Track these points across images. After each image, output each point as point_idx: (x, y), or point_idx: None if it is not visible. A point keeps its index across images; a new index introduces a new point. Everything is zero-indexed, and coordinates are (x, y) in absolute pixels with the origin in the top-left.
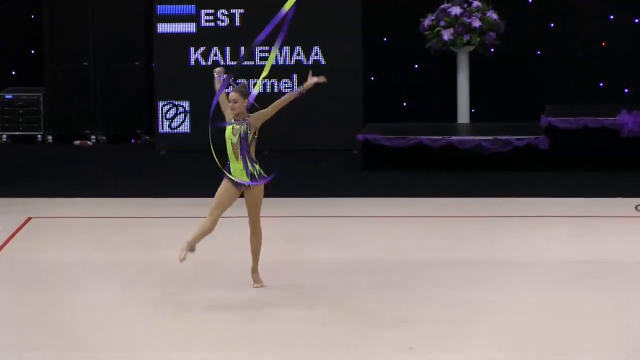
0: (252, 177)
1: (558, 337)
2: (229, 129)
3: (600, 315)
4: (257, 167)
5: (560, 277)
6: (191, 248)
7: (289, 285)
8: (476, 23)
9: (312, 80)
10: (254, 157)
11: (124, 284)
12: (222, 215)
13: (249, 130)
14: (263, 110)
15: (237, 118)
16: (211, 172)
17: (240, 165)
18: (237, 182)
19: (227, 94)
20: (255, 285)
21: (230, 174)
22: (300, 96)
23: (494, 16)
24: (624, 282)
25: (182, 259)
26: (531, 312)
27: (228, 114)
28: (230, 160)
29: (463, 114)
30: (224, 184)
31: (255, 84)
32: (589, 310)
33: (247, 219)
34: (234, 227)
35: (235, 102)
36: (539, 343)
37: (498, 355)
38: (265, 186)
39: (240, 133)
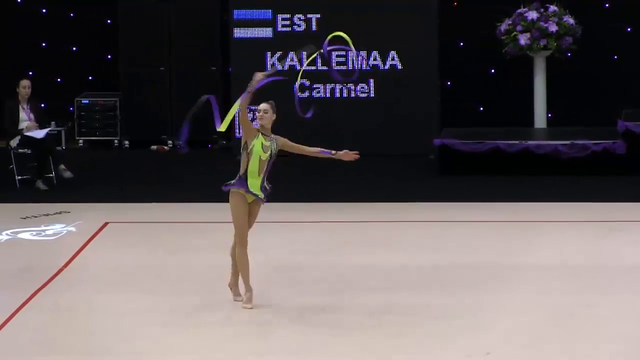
0: (264, 192)
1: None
2: (258, 144)
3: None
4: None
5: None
6: (248, 291)
7: (366, 289)
8: (553, 28)
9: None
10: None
11: (200, 289)
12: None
13: (276, 150)
14: (291, 143)
15: (265, 133)
16: (287, 176)
17: (259, 181)
18: (253, 196)
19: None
20: (237, 299)
21: (247, 189)
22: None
23: (571, 21)
24: None
25: (250, 307)
26: (613, 316)
27: (246, 121)
28: (249, 175)
29: (540, 119)
30: (238, 203)
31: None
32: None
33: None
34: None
35: (265, 112)
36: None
37: None
38: (346, 191)
39: (271, 151)
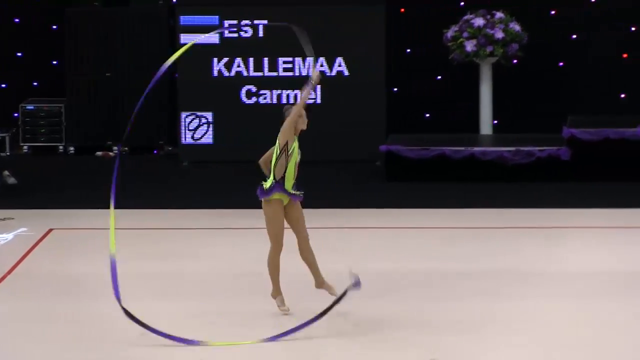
0: (298, 190)
1: (583, 348)
2: (296, 147)
3: (621, 327)
4: None
5: (583, 288)
6: (278, 295)
7: (316, 296)
8: (499, 34)
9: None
10: None
11: (144, 295)
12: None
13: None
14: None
15: (297, 134)
16: (234, 183)
17: (293, 183)
18: (289, 197)
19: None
20: (332, 293)
21: (286, 191)
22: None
23: (517, 27)
24: None
25: (287, 311)
26: (553, 322)
27: (294, 130)
28: (287, 180)
29: (485, 125)
30: (277, 211)
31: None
32: (608, 320)
33: (296, 237)
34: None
35: (306, 116)
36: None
37: None
38: None
39: (300, 152)
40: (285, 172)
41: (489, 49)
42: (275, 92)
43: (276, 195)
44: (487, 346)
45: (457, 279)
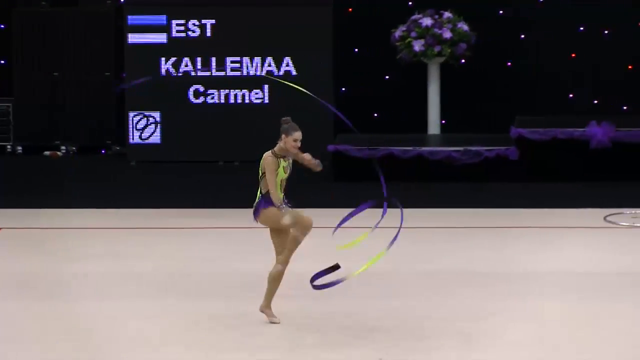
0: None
1: (529, 345)
2: (281, 170)
3: (573, 325)
4: None
5: (532, 287)
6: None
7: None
8: (447, 34)
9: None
10: None
11: (93, 294)
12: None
13: (291, 164)
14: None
15: (284, 155)
16: (182, 183)
17: (282, 195)
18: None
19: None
20: (274, 320)
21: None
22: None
23: (465, 27)
24: (594, 292)
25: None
26: (501, 321)
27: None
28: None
29: (433, 125)
30: (273, 210)
31: None
32: (560, 318)
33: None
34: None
35: (300, 141)
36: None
37: None
38: (240, 197)
39: (289, 171)
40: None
41: (437, 48)
42: (223, 92)
43: (263, 208)
44: (430, 345)
45: (403, 278)
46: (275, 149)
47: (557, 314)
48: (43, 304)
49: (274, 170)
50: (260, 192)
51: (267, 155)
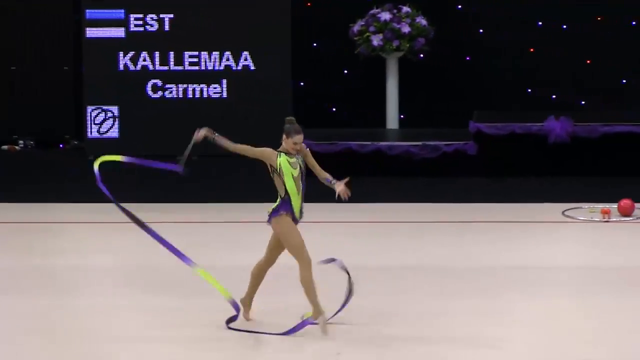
0: (302, 215)
1: (485, 342)
2: (284, 162)
3: (530, 320)
4: None
5: (488, 283)
6: (319, 315)
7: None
8: (405, 29)
9: (339, 187)
10: None
11: (56, 291)
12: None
13: (304, 164)
14: (310, 156)
15: (286, 152)
16: (139, 178)
17: (299, 201)
18: (294, 219)
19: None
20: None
21: (293, 211)
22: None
23: (424, 22)
24: (552, 287)
25: (326, 331)
26: (457, 316)
27: (250, 151)
28: (291, 195)
29: (392, 120)
30: (288, 223)
31: None
32: (519, 315)
33: (265, 255)
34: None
35: (300, 144)
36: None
37: None
38: (197, 191)
39: (299, 166)
40: (285, 188)
41: (395, 43)
42: (181, 87)
43: (282, 212)
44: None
45: (359, 274)
46: (280, 147)
47: (515, 308)
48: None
49: (260, 151)
50: (280, 196)
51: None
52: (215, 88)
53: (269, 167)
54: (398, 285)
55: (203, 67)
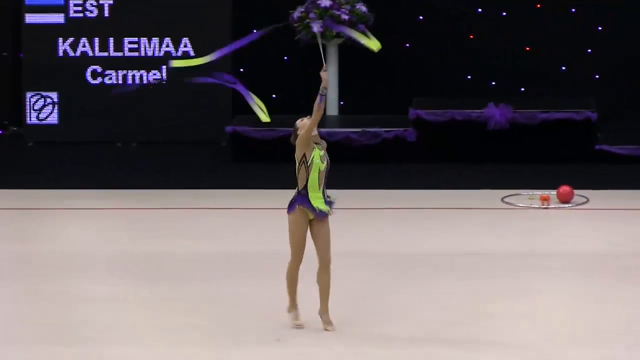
0: (329, 204)
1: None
2: (317, 155)
3: (457, 306)
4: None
5: (427, 268)
6: (293, 309)
7: (154, 278)
8: (345, 15)
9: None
10: None
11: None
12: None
13: (328, 157)
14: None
15: (317, 141)
16: (79, 164)
17: (320, 194)
18: (314, 213)
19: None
20: (327, 328)
21: (310, 205)
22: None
23: (363, 9)
24: (490, 273)
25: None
26: (402, 302)
27: (311, 133)
28: (310, 190)
29: (332, 106)
30: (298, 220)
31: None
32: (446, 301)
33: (317, 254)
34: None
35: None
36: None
37: None
38: (139, 178)
39: (327, 160)
40: (307, 182)
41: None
42: (121, 73)
43: (299, 207)
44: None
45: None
46: None
47: (453, 293)
48: None
49: (309, 143)
50: (297, 189)
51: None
52: (155, 74)
53: (301, 156)
54: (335, 272)
55: (143, 54)
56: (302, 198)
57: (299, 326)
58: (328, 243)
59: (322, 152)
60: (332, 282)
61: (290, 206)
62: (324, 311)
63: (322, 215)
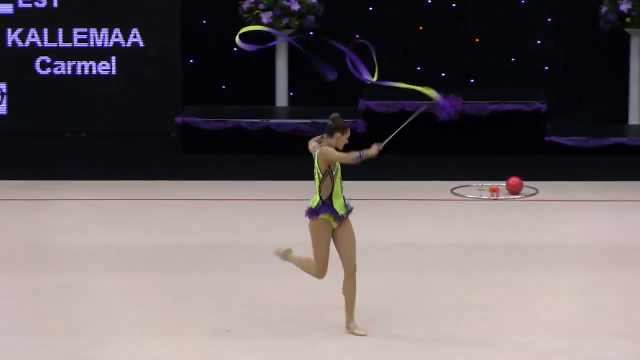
0: (347, 207)
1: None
2: (338, 165)
3: (412, 298)
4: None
5: (373, 260)
6: (280, 253)
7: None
8: (295, 6)
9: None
10: None
11: None
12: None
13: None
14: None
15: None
16: (29, 156)
17: (342, 199)
18: (338, 221)
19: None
20: (358, 332)
21: (335, 214)
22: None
23: (313, 0)
24: (437, 264)
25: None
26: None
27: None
28: (334, 197)
29: (282, 98)
30: (322, 230)
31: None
32: (397, 290)
33: (342, 262)
34: None
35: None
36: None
37: None
38: (86, 170)
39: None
40: (332, 191)
41: (285, 20)
42: (70, 63)
43: (323, 216)
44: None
45: (252, 252)
46: (325, 145)
47: (397, 285)
48: None
49: (336, 154)
50: (320, 198)
51: (325, 146)
52: (104, 65)
53: (325, 167)
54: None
55: (92, 44)
56: (326, 208)
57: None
58: (353, 247)
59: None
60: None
61: (314, 213)
62: (351, 320)
63: (344, 218)
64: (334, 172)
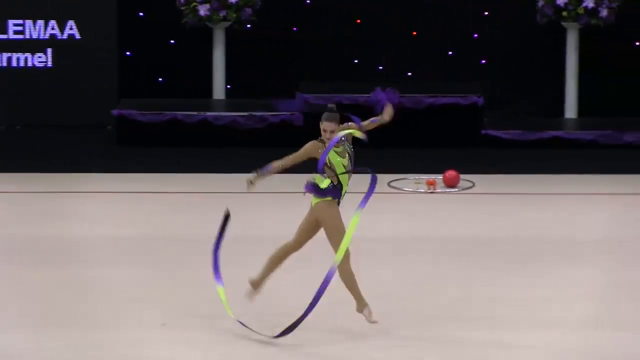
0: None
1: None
2: (332, 156)
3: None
4: None
5: (313, 252)
6: (363, 307)
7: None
8: None
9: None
10: None
11: None
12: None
13: (350, 145)
14: (364, 123)
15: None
16: None
17: (346, 188)
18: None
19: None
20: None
21: (340, 197)
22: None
23: None
24: (373, 258)
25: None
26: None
27: (297, 160)
28: (344, 183)
29: (219, 90)
30: (335, 212)
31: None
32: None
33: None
34: None
35: (332, 132)
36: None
37: None
38: (24, 162)
39: (347, 153)
40: (338, 179)
41: (222, 13)
42: (6, 55)
43: (329, 198)
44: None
45: (187, 246)
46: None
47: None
48: None
49: (303, 151)
50: (332, 181)
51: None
52: (40, 57)
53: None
54: (228, 257)
55: (28, 36)
56: (335, 191)
57: (374, 322)
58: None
59: (340, 149)
60: (230, 268)
61: (323, 193)
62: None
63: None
64: (329, 164)
